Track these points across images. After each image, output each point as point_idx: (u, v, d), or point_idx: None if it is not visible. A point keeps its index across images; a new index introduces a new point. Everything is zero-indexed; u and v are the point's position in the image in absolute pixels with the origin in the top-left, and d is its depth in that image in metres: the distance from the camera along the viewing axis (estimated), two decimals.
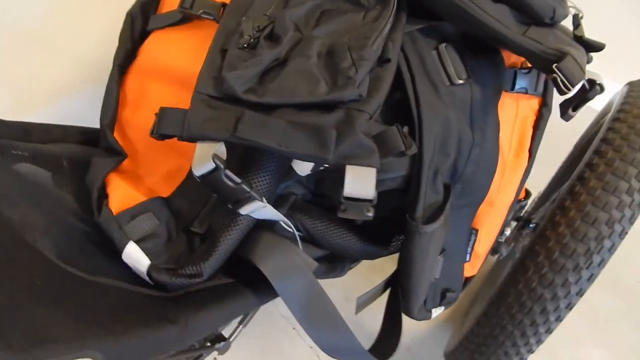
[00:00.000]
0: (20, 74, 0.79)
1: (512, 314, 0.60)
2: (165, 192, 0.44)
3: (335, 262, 0.49)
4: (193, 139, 0.36)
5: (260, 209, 0.37)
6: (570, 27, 0.47)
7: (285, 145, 0.34)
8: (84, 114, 0.87)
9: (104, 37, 0.82)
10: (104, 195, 0.42)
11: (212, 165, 0.34)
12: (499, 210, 0.54)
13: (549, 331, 0.59)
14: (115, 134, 0.48)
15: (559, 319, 0.58)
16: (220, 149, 0.35)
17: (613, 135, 0.56)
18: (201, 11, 0.48)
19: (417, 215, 0.42)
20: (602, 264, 0.56)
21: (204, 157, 0.34)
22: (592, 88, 0.39)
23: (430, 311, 0.57)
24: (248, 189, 0.35)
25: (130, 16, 0.54)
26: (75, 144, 0.52)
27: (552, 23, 0.41)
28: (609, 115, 0.60)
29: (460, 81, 0.42)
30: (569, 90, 0.38)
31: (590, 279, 0.56)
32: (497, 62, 0.46)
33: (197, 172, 0.35)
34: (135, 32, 0.54)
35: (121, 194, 0.41)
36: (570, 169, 0.74)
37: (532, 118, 0.53)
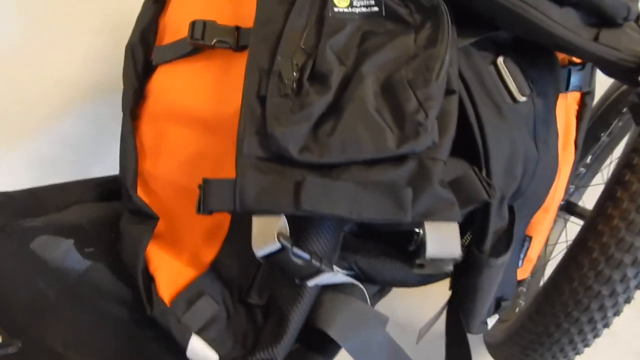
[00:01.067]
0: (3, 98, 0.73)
1: (568, 312, 0.58)
2: (209, 255, 0.40)
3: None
4: (249, 214, 0.31)
5: (329, 278, 0.33)
6: None
7: (357, 213, 0.30)
8: (75, 135, 0.82)
9: (87, 54, 0.75)
10: (148, 278, 0.37)
11: (277, 246, 0.30)
12: (552, 213, 0.52)
13: (606, 326, 0.58)
14: (140, 191, 0.43)
15: (617, 314, 0.57)
16: (282, 222, 0.31)
17: None
18: (215, 40, 0.42)
19: (486, 248, 0.39)
20: None
21: (266, 236, 0.30)
22: None
23: (487, 322, 0.55)
24: (318, 264, 0.31)
25: (131, 49, 0.48)
26: (94, 201, 0.47)
27: (624, 22, 0.37)
28: None
29: (524, 98, 0.38)
30: None
31: None
32: (554, 65, 0.41)
33: (260, 252, 0.31)
34: (139, 66, 0.48)
35: (168, 273, 0.37)
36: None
37: (574, 108, 0.50)
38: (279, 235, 0.30)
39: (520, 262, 0.53)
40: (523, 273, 0.56)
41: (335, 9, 0.37)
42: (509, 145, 0.37)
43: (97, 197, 0.48)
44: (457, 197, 0.32)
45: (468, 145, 0.37)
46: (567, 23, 0.35)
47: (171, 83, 0.45)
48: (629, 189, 0.54)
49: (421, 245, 0.31)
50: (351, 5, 0.37)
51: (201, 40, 0.43)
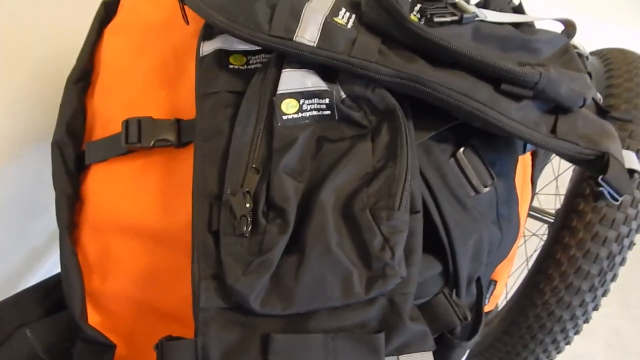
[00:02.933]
0: None
1: (533, 335, 0.62)
2: None
3: None
4: None
5: None
6: None
7: None
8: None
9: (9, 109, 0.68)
10: None
11: None
12: (514, 257, 0.53)
13: (568, 343, 0.62)
14: (91, 312, 0.40)
15: (577, 332, 0.61)
16: None
17: None
18: (154, 141, 0.39)
19: (457, 331, 0.40)
20: (614, 278, 0.58)
21: None
22: (632, 176, 0.36)
23: None
24: None
25: (57, 147, 0.43)
26: (41, 317, 0.43)
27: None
28: None
29: (487, 189, 0.37)
30: (617, 201, 0.34)
31: (605, 294, 0.58)
32: (511, 144, 0.41)
33: None
34: (69, 164, 0.43)
35: None
36: None
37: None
38: None
39: (487, 300, 0.55)
40: (490, 306, 0.58)
41: (284, 117, 0.34)
42: (474, 238, 0.37)
43: (43, 312, 0.44)
44: (429, 323, 0.32)
45: (435, 239, 0.36)
46: (525, 119, 0.34)
47: (110, 188, 0.41)
48: (584, 219, 0.57)
49: None
50: (300, 110, 0.34)
51: (138, 143, 0.39)
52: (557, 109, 0.36)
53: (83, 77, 0.47)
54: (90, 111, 0.46)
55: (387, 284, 0.29)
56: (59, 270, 0.91)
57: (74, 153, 0.44)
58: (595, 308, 0.59)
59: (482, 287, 0.42)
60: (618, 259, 0.56)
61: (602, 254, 0.55)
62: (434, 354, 0.36)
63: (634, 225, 0.55)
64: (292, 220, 0.31)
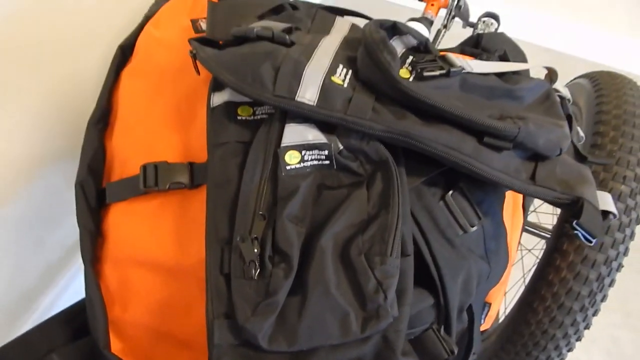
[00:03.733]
0: None
1: (528, 352, 0.65)
2: None
3: None
4: None
5: None
6: None
7: None
8: (25, 215, 0.80)
9: (28, 132, 0.72)
10: None
11: None
12: (507, 278, 0.56)
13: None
14: (113, 339, 0.44)
15: (570, 350, 0.64)
16: None
17: None
18: (169, 184, 0.43)
19: (456, 352, 0.43)
20: (604, 299, 0.61)
21: None
22: (606, 218, 0.39)
23: None
24: None
25: (80, 185, 0.47)
26: (67, 342, 0.48)
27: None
28: None
29: (474, 228, 0.41)
30: (590, 243, 0.37)
31: (596, 313, 0.61)
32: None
33: None
34: (91, 202, 0.48)
35: None
36: None
37: None
38: None
39: (482, 321, 0.59)
40: (485, 326, 0.61)
41: (288, 167, 0.38)
42: (463, 273, 0.40)
43: (70, 335, 0.48)
44: (420, 356, 0.36)
45: (427, 274, 0.40)
46: (507, 168, 0.38)
47: (129, 226, 0.45)
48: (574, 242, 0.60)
49: None
50: (302, 160, 0.38)
51: (155, 187, 0.43)
52: (536, 156, 0.39)
53: (102, 118, 0.51)
54: (110, 150, 0.50)
55: (380, 323, 0.33)
56: (74, 283, 0.96)
57: (95, 190, 0.48)
58: (587, 327, 0.62)
59: (474, 313, 0.46)
60: (607, 280, 0.59)
61: (591, 276, 0.58)
62: None
63: (621, 248, 0.58)
64: (295, 265, 0.35)
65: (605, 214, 0.39)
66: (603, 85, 0.70)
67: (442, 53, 0.42)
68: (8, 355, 0.44)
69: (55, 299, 0.98)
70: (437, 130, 0.37)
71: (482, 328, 0.61)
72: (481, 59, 0.56)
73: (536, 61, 1.57)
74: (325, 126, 0.39)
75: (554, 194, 0.38)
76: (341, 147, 0.39)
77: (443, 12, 1.11)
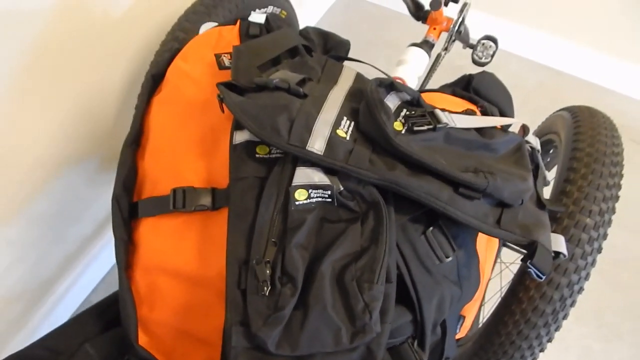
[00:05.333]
0: None
1: (512, 341, 0.73)
2: None
3: None
4: None
5: None
6: None
7: None
8: (50, 209, 0.88)
9: (54, 134, 0.81)
10: None
11: None
12: (481, 295, 0.65)
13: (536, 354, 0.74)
14: (141, 334, 0.53)
15: (542, 350, 0.73)
16: None
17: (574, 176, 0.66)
18: (194, 207, 0.51)
19: None
20: (566, 316, 0.70)
21: None
22: (557, 257, 0.48)
23: None
24: None
25: (116, 200, 0.55)
26: (99, 333, 0.56)
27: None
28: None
29: (449, 259, 0.50)
30: (541, 279, 0.46)
31: (557, 328, 0.70)
32: None
33: None
34: (125, 214, 0.56)
35: None
36: None
37: None
38: None
39: (458, 330, 0.68)
40: (461, 334, 0.70)
41: (297, 203, 0.46)
42: (437, 295, 0.49)
43: (102, 327, 0.57)
44: None
45: (407, 296, 0.48)
46: (477, 213, 0.46)
47: (158, 239, 0.54)
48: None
49: None
50: (309, 197, 0.47)
51: (182, 208, 0.51)
52: (502, 204, 0.47)
53: (136, 140, 0.59)
54: (141, 170, 0.58)
55: (366, 337, 0.42)
56: (88, 271, 1.06)
57: (128, 203, 0.56)
58: (549, 340, 0.71)
59: (447, 327, 0.55)
60: (569, 301, 0.68)
61: (555, 296, 0.67)
62: None
63: (582, 273, 0.67)
64: (300, 285, 0.43)
65: (557, 254, 0.48)
66: (582, 122, 0.78)
67: (432, 103, 0.50)
68: (48, 345, 0.53)
69: (70, 285, 1.08)
70: (420, 181, 0.45)
71: (457, 336, 0.70)
72: (471, 100, 0.64)
73: (535, 78, 1.67)
74: (329, 170, 0.47)
75: (514, 237, 0.47)
76: (342, 188, 0.47)
77: (444, 36, 1.18)
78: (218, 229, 0.50)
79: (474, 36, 1.15)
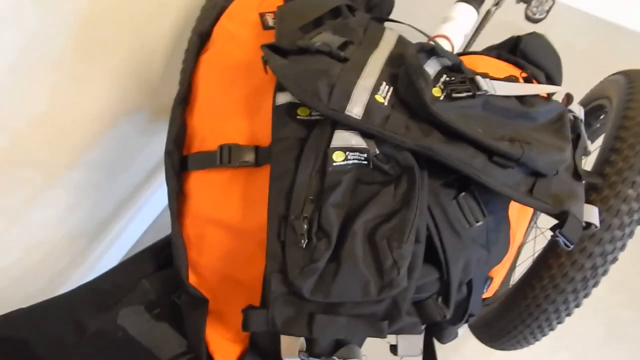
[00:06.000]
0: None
1: (522, 319, 0.76)
2: None
3: None
4: (278, 334, 0.48)
5: None
6: None
7: (351, 336, 0.46)
8: (106, 156, 0.96)
9: (107, 90, 0.87)
10: (209, 357, 0.55)
11: (297, 359, 0.47)
12: (510, 259, 0.67)
13: (572, 310, 0.75)
14: (191, 275, 0.60)
15: (577, 305, 0.74)
16: (301, 342, 0.48)
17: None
18: (239, 163, 0.55)
19: (448, 316, 0.56)
20: (596, 284, 0.71)
21: (291, 351, 0.47)
22: (588, 227, 0.49)
23: (457, 332, 0.74)
24: None
25: (168, 155, 0.60)
26: (154, 271, 0.64)
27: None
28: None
29: (479, 223, 0.52)
30: (569, 247, 0.48)
31: (587, 295, 0.72)
32: None
33: (287, 359, 0.48)
34: (176, 167, 0.61)
35: (222, 354, 0.55)
36: None
37: None
38: (300, 352, 0.47)
39: (485, 290, 0.71)
40: (488, 294, 0.74)
41: (334, 164, 0.49)
42: (464, 257, 0.52)
43: (156, 266, 0.64)
44: (420, 316, 0.49)
45: (435, 255, 0.52)
46: (509, 182, 0.48)
47: (205, 191, 0.59)
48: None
49: (394, 347, 0.48)
50: (346, 159, 0.50)
51: (228, 164, 0.55)
52: (536, 173, 0.49)
53: (185, 98, 0.64)
54: (190, 126, 0.63)
55: (392, 290, 0.46)
56: (141, 213, 1.16)
57: (178, 158, 0.61)
58: (577, 306, 0.73)
59: (472, 287, 0.58)
60: (600, 270, 0.69)
61: (587, 265, 0.68)
62: (434, 332, 0.52)
63: (619, 244, 0.67)
64: (334, 241, 0.47)
65: (589, 224, 0.49)
66: (636, 89, 0.75)
67: (475, 66, 0.50)
68: (112, 279, 0.61)
69: (124, 226, 1.18)
70: (455, 148, 0.47)
71: (485, 296, 0.73)
72: (517, 65, 0.63)
73: (593, 35, 1.58)
74: (366, 134, 0.50)
75: (545, 206, 0.48)
76: (377, 151, 0.50)
77: None
78: (260, 184, 0.54)
79: None
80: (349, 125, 0.49)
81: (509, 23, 1.20)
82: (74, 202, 0.96)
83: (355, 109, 0.48)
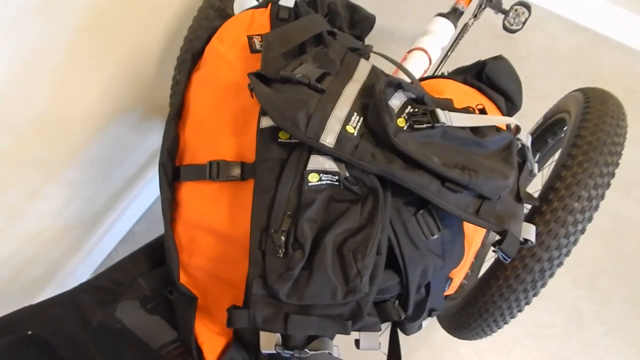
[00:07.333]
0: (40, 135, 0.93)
1: (480, 314, 0.86)
2: None
3: None
4: (258, 330, 0.56)
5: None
6: None
7: (322, 333, 0.55)
8: (101, 154, 1.03)
9: (102, 91, 0.93)
10: (198, 349, 0.64)
11: (274, 351, 0.56)
12: (468, 262, 0.77)
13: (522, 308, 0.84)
14: (182, 275, 0.68)
15: (527, 303, 0.83)
16: (277, 337, 0.56)
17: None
18: (226, 177, 0.63)
19: (408, 314, 0.65)
20: (544, 285, 0.81)
21: (269, 345, 0.56)
22: (525, 243, 0.58)
23: (421, 325, 0.84)
24: (294, 353, 0.57)
25: (162, 166, 0.68)
26: (150, 269, 0.72)
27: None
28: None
29: (435, 236, 0.60)
30: (506, 261, 0.57)
31: (544, 285, 0.80)
32: None
33: (265, 351, 0.57)
34: (169, 177, 0.68)
35: (210, 346, 0.63)
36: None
37: None
38: (276, 345, 0.56)
39: (446, 289, 0.80)
40: (450, 292, 0.83)
41: (310, 184, 0.57)
42: (421, 264, 0.61)
43: (151, 265, 0.72)
44: (380, 316, 0.57)
45: (396, 263, 0.60)
46: (459, 204, 0.56)
47: (196, 200, 0.66)
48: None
49: (358, 341, 0.57)
50: (320, 180, 0.58)
51: (217, 178, 0.63)
52: (483, 196, 0.57)
53: (178, 113, 0.70)
54: (183, 139, 0.70)
55: (356, 295, 0.55)
56: (131, 207, 1.25)
57: (171, 168, 0.69)
58: (527, 303, 0.82)
59: (430, 289, 0.67)
60: (548, 273, 0.78)
61: (536, 268, 0.78)
62: (399, 326, 0.61)
63: (564, 251, 0.76)
64: (307, 252, 0.55)
65: (526, 240, 0.58)
66: (591, 109, 0.83)
67: (441, 91, 0.58)
68: (111, 277, 0.68)
69: (116, 217, 1.25)
70: (413, 175, 0.55)
71: (447, 293, 0.82)
72: (480, 90, 0.71)
73: (572, 40, 1.68)
74: (338, 158, 0.57)
75: (489, 225, 0.57)
76: (347, 174, 0.58)
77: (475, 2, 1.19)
78: (245, 196, 0.62)
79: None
80: (323, 151, 0.57)
81: (494, 25, 1.26)
82: (70, 196, 1.03)
83: (329, 138, 0.56)
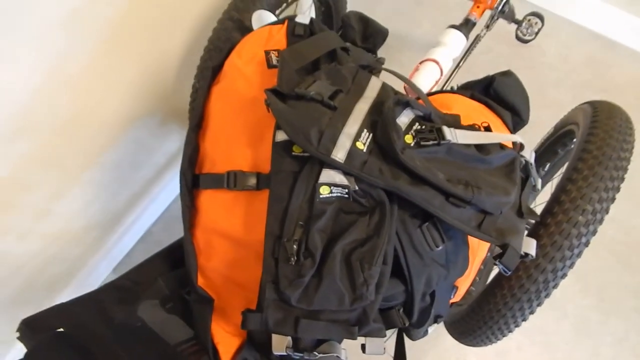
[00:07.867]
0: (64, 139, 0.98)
1: (485, 321, 0.89)
2: None
3: None
4: (270, 333, 0.60)
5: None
6: None
7: (329, 336, 0.59)
8: (123, 156, 1.08)
9: (124, 96, 0.99)
10: (214, 348, 0.68)
11: (285, 353, 0.60)
12: (474, 272, 0.80)
13: (528, 315, 0.87)
14: (200, 277, 0.72)
15: (532, 312, 0.86)
16: (289, 340, 0.60)
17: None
18: (243, 187, 0.67)
19: (413, 321, 0.69)
20: (548, 295, 0.83)
21: (280, 347, 0.60)
22: (526, 257, 0.61)
23: (427, 331, 0.87)
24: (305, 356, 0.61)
25: (183, 174, 0.72)
26: (169, 270, 0.76)
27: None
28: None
29: (439, 248, 0.64)
30: (507, 274, 0.60)
31: (540, 304, 0.84)
32: None
33: (277, 353, 0.61)
34: (189, 185, 0.73)
35: (224, 346, 0.68)
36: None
37: None
38: (287, 347, 0.60)
39: (452, 296, 0.83)
40: (456, 299, 0.86)
41: (321, 196, 0.61)
42: (426, 274, 0.64)
43: (170, 266, 0.77)
44: (385, 322, 0.61)
45: (402, 273, 0.64)
46: (461, 218, 0.60)
47: (214, 207, 0.70)
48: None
49: (364, 345, 0.61)
50: (331, 193, 0.61)
51: (234, 187, 0.67)
52: (485, 211, 0.60)
53: (199, 123, 0.75)
54: (202, 148, 0.74)
55: (362, 302, 0.58)
56: (150, 208, 1.31)
57: (191, 176, 0.73)
58: (531, 312, 0.85)
59: (435, 297, 0.70)
60: (551, 284, 0.81)
61: (540, 279, 0.80)
62: (404, 331, 0.65)
63: (567, 263, 0.79)
64: (317, 260, 0.59)
65: (526, 254, 0.61)
66: (598, 123, 0.85)
67: (448, 106, 0.61)
68: (132, 277, 0.73)
69: (135, 218, 1.31)
70: (419, 189, 0.59)
71: (453, 301, 0.85)
72: (487, 105, 0.74)
73: (585, 48, 1.70)
74: (347, 172, 0.61)
75: (490, 239, 0.60)
76: (356, 187, 0.61)
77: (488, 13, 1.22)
78: (260, 205, 0.66)
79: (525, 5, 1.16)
80: (334, 165, 0.60)
81: (509, 32, 1.27)
82: (91, 197, 1.09)
83: (340, 153, 0.59)
